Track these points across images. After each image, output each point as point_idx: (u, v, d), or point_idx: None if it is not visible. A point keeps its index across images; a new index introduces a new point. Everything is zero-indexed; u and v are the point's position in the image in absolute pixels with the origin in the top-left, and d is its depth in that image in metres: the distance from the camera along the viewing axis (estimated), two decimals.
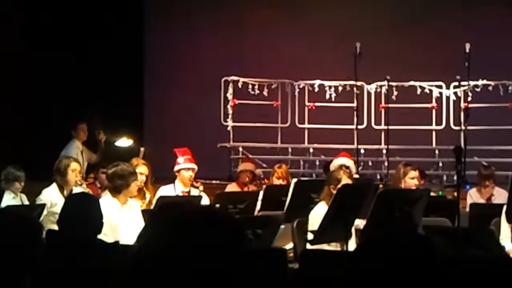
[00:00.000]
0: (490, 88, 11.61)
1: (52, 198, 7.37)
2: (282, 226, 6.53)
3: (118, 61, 12.23)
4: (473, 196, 8.95)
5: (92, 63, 12.11)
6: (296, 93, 12.19)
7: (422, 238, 1.93)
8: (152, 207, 7.09)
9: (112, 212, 6.24)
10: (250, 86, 12.01)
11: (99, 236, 4.52)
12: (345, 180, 6.66)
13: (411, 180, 7.68)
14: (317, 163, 11.94)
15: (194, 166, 8.01)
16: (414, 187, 7.61)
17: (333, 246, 6.44)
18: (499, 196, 8.72)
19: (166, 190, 7.84)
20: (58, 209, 6.76)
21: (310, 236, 6.30)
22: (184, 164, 7.96)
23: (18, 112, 12.12)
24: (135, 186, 6.74)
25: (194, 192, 7.83)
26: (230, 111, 11.97)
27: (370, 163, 11.79)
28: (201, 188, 7.95)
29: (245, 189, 8.99)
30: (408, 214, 6.25)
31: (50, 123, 11.27)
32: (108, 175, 6.63)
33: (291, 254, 6.52)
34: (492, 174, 8.97)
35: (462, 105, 11.55)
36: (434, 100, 11.90)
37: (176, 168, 8.00)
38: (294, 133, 12.20)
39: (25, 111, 12.19)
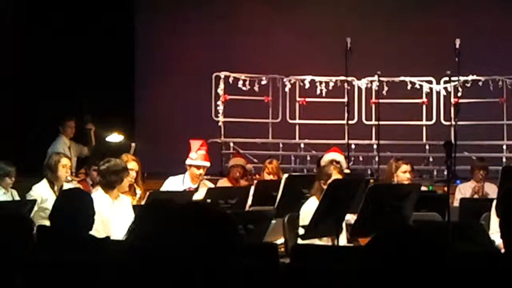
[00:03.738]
0: (480, 83, 11.64)
1: (42, 193, 7.37)
2: (273, 221, 6.53)
3: (108, 57, 12.21)
4: (462, 189, 8.99)
5: (83, 59, 12.07)
6: (287, 89, 12.19)
7: (432, 236, 1.93)
8: (143, 202, 7.08)
9: (103, 208, 6.24)
10: (241, 82, 12.00)
11: (90, 232, 4.52)
12: (336, 175, 6.67)
13: (403, 174, 7.66)
14: (308, 158, 11.96)
15: (207, 164, 7.89)
16: (406, 181, 7.61)
17: (324, 241, 6.46)
18: (489, 190, 8.77)
19: (174, 182, 7.80)
20: (48, 204, 6.77)
21: (301, 231, 6.32)
22: (196, 161, 7.83)
23: (7, 108, 12.08)
24: (127, 182, 6.75)
25: (203, 188, 7.71)
26: (221, 107, 11.97)
27: (360, 158, 11.82)
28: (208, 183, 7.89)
29: (236, 184, 8.99)
30: (399, 208, 6.27)
31: (41, 118, 11.24)
32: (101, 171, 6.62)
33: (282, 249, 6.52)
34: (486, 167, 9.04)
35: (452, 100, 11.59)
36: (424, 96, 11.93)
37: (187, 162, 7.89)
38: (285, 128, 12.21)
39: (15, 107, 12.15)
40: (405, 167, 7.70)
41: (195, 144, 7.98)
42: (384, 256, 1.83)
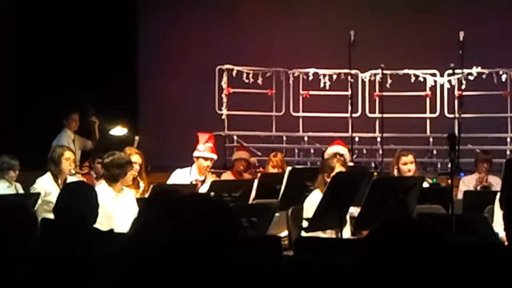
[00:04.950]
0: (484, 76, 11.62)
1: (46, 187, 7.37)
2: (277, 214, 6.54)
3: (111, 50, 12.20)
4: (466, 182, 8.99)
5: (86, 52, 12.07)
6: (291, 82, 12.18)
7: (433, 227, 1.92)
8: (147, 195, 7.09)
9: (107, 201, 6.25)
10: (244, 75, 11.99)
11: (94, 225, 4.53)
12: (339, 168, 6.68)
13: (404, 166, 7.63)
14: (312, 151, 11.95)
15: (214, 156, 7.96)
16: (407, 173, 7.58)
17: (328, 234, 6.47)
18: (493, 182, 8.77)
19: (181, 174, 7.85)
20: (52, 198, 6.78)
21: (304, 224, 6.33)
22: (204, 153, 7.91)
23: (11, 102, 12.09)
24: (131, 175, 6.75)
25: (210, 179, 7.77)
26: (225, 100, 11.96)
27: (364, 151, 11.81)
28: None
29: (240, 177, 8.99)
30: (402, 201, 6.27)
31: (45, 112, 11.25)
32: (105, 164, 6.63)
33: (286, 242, 6.54)
34: (490, 159, 9.03)
35: (456, 93, 11.56)
36: (428, 88, 11.91)
37: (195, 154, 7.95)
38: (288, 121, 12.19)
39: (19, 100, 12.16)
40: (404, 159, 7.66)
41: (203, 137, 8.05)
42: (385, 247, 1.83)
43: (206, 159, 7.89)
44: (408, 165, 7.62)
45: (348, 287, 1.89)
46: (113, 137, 10.62)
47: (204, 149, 7.92)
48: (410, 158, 7.69)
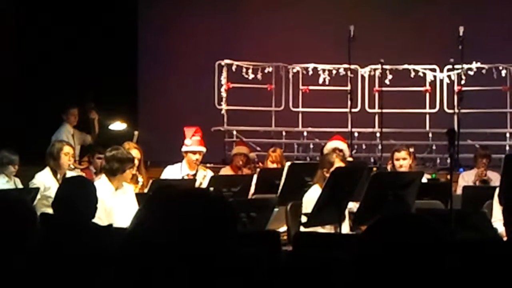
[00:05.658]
0: (484, 71, 11.62)
1: (45, 182, 7.38)
2: (276, 209, 6.55)
3: (112, 45, 12.19)
4: (465, 177, 9.00)
5: (86, 47, 12.06)
6: (290, 77, 12.17)
7: (431, 222, 1.92)
8: (146, 190, 7.09)
9: (106, 196, 6.25)
10: (244, 70, 11.98)
11: (93, 220, 4.53)
12: (338, 164, 6.68)
13: (396, 161, 7.70)
14: (311, 146, 11.95)
15: (202, 149, 7.95)
16: (401, 169, 7.61)
17: (327, 229, 6.48)
18: (492, 178, 8.78)
19: (172, 170, 7.84)
20: (51, 193, 6.78)
21: (303, 219, 6.33)
22: (191, 147, 7.90)
23: (11, 96, 12.08)
24: (130, 173, 6.74)
25: (201, 173, 7.79)
26: (224, 95, 11.95)
27: (363, 147, 11.81)
28: (209, 173, 7.90)
29: (239, 172, 9.00)
30: (401, 197, 6.27)
31: (45, 106, 11.25)
32: (107, 157, 6.64)
33: (285, 237, 6.54)
34: (489, 155, 9.05)
35: (456, 88, 11.56)
36: (427, 84, 11.91)
37: (183, 149, 7.95)
38: (288, 116, 12.19)
39: (18, 96, 12.15)
40: (397, 155, 7.73)
41: (189, 131, 8.04)
42: (382, 243, 1.83)
43: (194, 152, 7.89)
44: (400, 161, 7.67)
45: (346, 282, 1.89)
46: (112, 132, 10.62)
47: (191, 143, 7.92)
48: (402, 154, 7.72)
